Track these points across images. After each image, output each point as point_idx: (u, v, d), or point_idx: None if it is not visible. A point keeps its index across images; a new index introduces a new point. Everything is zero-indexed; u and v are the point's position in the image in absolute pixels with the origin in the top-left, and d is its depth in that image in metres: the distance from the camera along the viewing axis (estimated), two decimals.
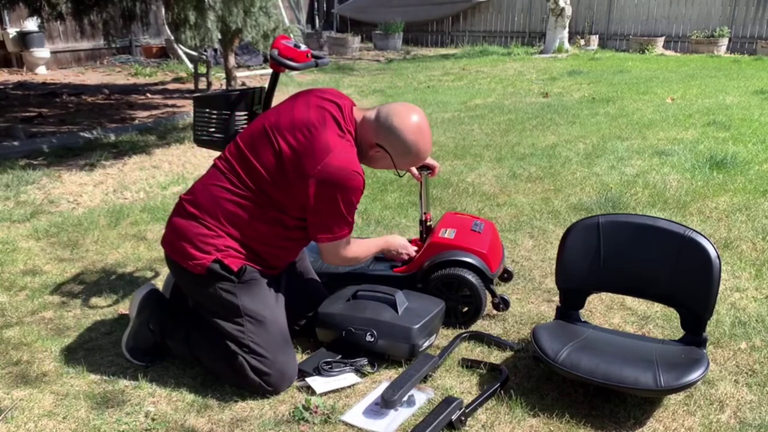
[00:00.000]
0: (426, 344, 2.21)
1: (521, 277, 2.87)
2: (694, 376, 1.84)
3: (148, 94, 8.16)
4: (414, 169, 2.55)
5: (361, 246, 2.26)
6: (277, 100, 2.38)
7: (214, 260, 2.03)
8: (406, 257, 2.46)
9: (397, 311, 2.19)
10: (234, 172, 2.07)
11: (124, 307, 2.64)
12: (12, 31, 9.62)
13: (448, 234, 2.49)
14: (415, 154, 2.09)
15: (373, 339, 2.15)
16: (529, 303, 2.64)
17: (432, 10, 14.40)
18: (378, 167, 2.18)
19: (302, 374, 2.12)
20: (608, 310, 2.56)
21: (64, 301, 2.72)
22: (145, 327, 2.21)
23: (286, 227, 2.10)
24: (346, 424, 1.91)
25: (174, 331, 2.20)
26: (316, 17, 15.15)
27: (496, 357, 2.25)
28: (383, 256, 2.59)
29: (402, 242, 2.44)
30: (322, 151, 1.98)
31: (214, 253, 2.04)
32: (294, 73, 8.70)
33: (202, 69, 7.81)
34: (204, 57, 8.13)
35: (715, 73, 9.00)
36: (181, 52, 10.17)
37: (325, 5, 15.30)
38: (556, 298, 2.31)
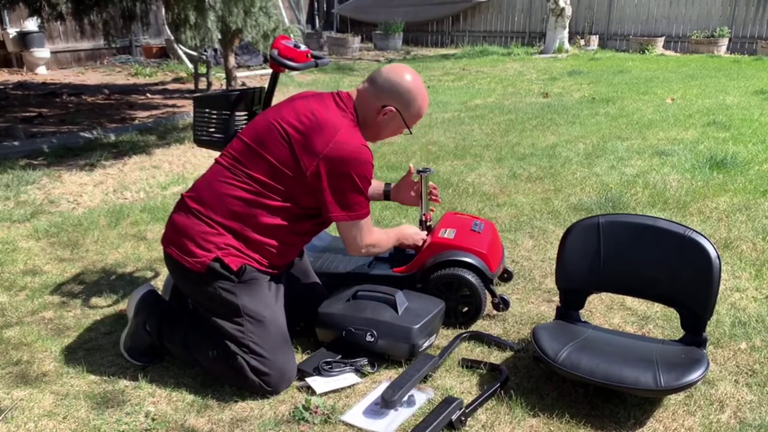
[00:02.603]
0: (426, 344, 2.21)
1: (521, 277, 2.87)
2: (694, 376, 1.84)
3: (148, 94, 8.17)
4: (412, 167, 2.57)
5: (381, 232, 2.29)
6: (276, 100, 2.38)
7: (215, 258, 2.03)
8: (420, 242, 2.49)
9: (397, 311, 2.19)
10: (240, 168, 2.08)
11: (125, 307, 2.63)
12: (12, 31, 9.62)
13: (448, 234, 2.49)
14: (420, 101, 2.15)
15: (373, 339, 2.15)
16: (529, 303, 2.64)
17: (432, 10, 14.40)
18: (387, 134, 2.22)
19: (302, 374, 2.12)
20: (608, 310, 2.56)
21: (64, 301, 2.72)
22: (142, 328, 2.21)
23: (295, 218, 2.10)
24: (346, 424, 1.91)
25: (172, 333, 2.20)
26: (316, 17, 15.15)
27: (496, 357, 2.25)
28: (386, 256, 2.59)
29: (414, 230, 2.50)
30: (330, 129, 2.02)
31: (215, 251, 2.04)
32: (294, 73, 8.71)
33: (202, 69, 7.81)
34: (204, 57, 8.13)
35: (715, 73, 9.00)
36: (181, 52, 10.17)
37: (325, 5, 15.30)
38: (556, 298, 2.31)
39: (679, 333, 2.13)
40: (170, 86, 8.90)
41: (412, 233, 2.47)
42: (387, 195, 2.60)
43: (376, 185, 2.59)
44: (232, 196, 2.06)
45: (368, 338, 2.15)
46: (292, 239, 2.18)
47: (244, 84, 8.24)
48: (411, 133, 2.23)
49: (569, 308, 2.25)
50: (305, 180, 2.03)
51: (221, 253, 2.04)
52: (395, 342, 2.15)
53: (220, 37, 5.61)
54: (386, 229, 2.43)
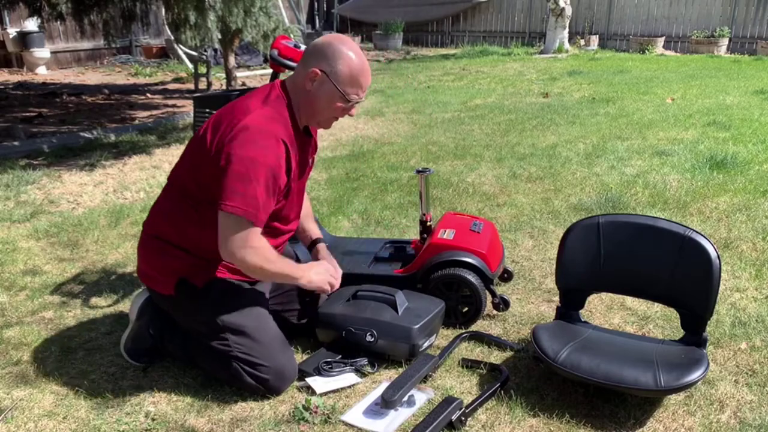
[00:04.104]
0: (426, 344, 2.21)
1: (521, 277, 2.87)
2: (694, 376, 1.84)
3: (148, 94, 8.17)
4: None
5: (276, 258, 1.96)
6: None
7: (179, 280, 2.01)
8: (328, 289, 2.12)
9: (397, 311, 2.19)
10: (181, 184, 2.04)
11: (125, 307, 2.63)
12: (12, 31, 9.62)
13: (447, 234, 2.49)
14: (348, 59, 1.90)
15: (373, 339, 2.15)
16: (529, 303, 2.64)
17: (432, 10, 14.40)
18: (325, 108, 1.95)
19: (302, 374, 2.12)
20: (608, 310, 2.56)
21: (64, 301, 2.72)
22: (145, 330, 2.21)
23: None
24: (346, 424, 1.91)
25: (173, 336, 2.20)
26: (316, 17, 15.15)
27: (496, 357, 2.25)
28: (386, 255, 2.59)
29: (321, 271, 2.09)
30: (240, 113, 1.88)
31: (178, 272, 2.01)
32: None
33: (202, 69, 7.82)
34: (204, 57, 8.13)
35: (715, 73, 9.00)
36: (181, 52, 10.17)
37: (325, 5, 15.30)
38: (556, 298, 2.31)
39: (679, 333, 2.13)
40: (170, 86, 8.91)
41: (319, 282, 2.07)
42: (312, 245, 2.33)
43: (312, 231, 2.35)
44: (177, 215, 2.02)
45: (368, 338, 2.15)
46: None
47: (244, 84, 8.24)
48: (349, 102, 1.94)
49: (569, 308, 2.25)
50: (207, 168, 1.89)
51: (185, 274, 2.01)
52: (395, 342, 2.15)
53: (220, 37, 5.61)
54: (291, 262, 2.09)
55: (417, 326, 2.14)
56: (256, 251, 1.89)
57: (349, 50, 1.92)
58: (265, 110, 1.91)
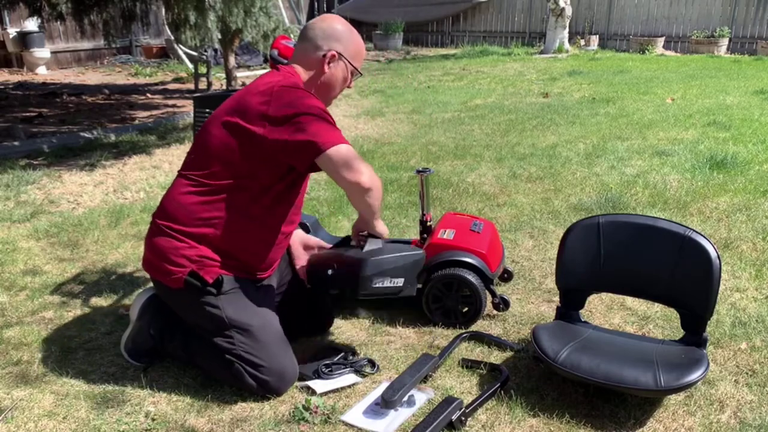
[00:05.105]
0: (384, 284, 2.10)
1: (521, 277, 2.87)
2: (695, 376, 1.84)
3: (148, 94, 8.17)
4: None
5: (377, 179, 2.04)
6: None
7: (190, 273, 2.00)
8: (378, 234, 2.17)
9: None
10: (196, 170, 2.04)
11: (125, 307, 2.63)
12: (12, 31, 9.63)
13: (447, 234, 2.49)
14: (356, 37, 2.14)
15: (331, 272, 2.11)
16: (529, 303, 2.64)
17: (432, 10, 14.41)
18: (338, 85, 2.13)
19: (302, 378, 2.11)
20: (608, 310, 2.56)
21: (64, 301, 2.72)
22: (145, 331, 2.20)
23: (262, 205, 2.04)
24: (346, 424, 1.91)
25: (173, 337, 2.20)
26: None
27: (496, 357, 2.25)
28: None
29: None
30: (266, 88, 1.98)
31: (189, 265, 2.00)
32: None
33: (203, 69, 7.83)
34: (204, 57, 8.14)
35: (715, 73, 9.00)
36: (181, 52, 10.18)
37: (325, 5, 15.30)
38: (556, 298, 2.31)
39: (679, 333, 2.13)
40: (170, 86, 8.91)
41: (382, 233, 2.19)
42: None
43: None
44: (194, 203, 2.02)
45: (329, 272, 2.11)
46: (268, 235, 2.11)
47: (244, 84, 8.23)
48: (361, 74, 2.19)
49: (569, 308, 2.25)
50: (263, 147, 1.94)
51: (195, 266, 2.00)
52: (349, 276, 2.08)
53: (220, 37, 5.62)
54: None
55: (372, 258, 2.06)
56: (367, 166, 1.97)
57: (348, 27, 2.14)
58: (287, 79, 2.01)
